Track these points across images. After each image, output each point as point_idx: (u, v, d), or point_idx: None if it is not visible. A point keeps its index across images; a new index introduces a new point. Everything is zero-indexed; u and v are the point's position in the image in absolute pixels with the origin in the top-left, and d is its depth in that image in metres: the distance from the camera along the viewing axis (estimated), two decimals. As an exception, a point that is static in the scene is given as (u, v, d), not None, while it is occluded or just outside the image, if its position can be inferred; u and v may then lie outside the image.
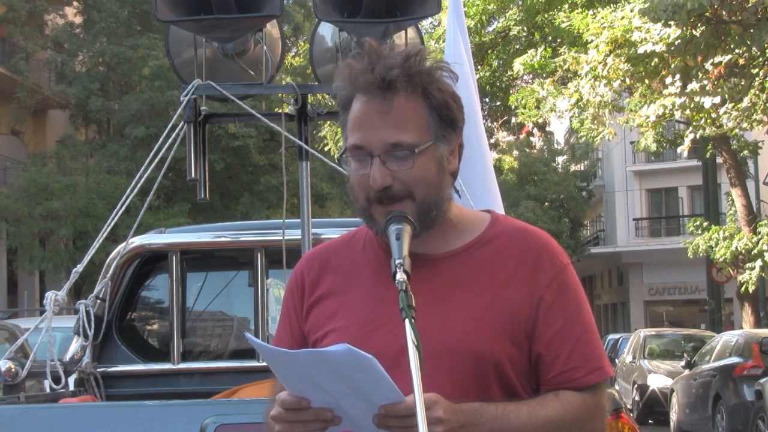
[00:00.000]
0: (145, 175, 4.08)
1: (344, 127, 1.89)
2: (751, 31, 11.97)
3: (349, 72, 1.85)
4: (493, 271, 1.88)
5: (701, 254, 19.09)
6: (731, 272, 19.21)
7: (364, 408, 1.67)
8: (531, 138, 41.79)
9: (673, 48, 12.36)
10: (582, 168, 46.99)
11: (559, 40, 17.32)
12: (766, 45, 11.86)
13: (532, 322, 1.85)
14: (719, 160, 21.03)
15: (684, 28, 12.03)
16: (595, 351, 1.88)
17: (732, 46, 12.37)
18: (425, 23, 19.35)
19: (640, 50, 12.64)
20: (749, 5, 11.62)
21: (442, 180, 1.88)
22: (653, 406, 16.53)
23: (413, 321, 1.65)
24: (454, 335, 1.82)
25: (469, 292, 1.86)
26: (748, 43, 12.02)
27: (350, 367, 1.61)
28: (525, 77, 21.61)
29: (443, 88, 1.86)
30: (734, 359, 12.95)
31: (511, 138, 40.88)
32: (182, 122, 4.14)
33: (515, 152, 44.91)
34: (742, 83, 12.69)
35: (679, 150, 19.70)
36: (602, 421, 1.90)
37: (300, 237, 4.12)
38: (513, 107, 19.52)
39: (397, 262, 1.74)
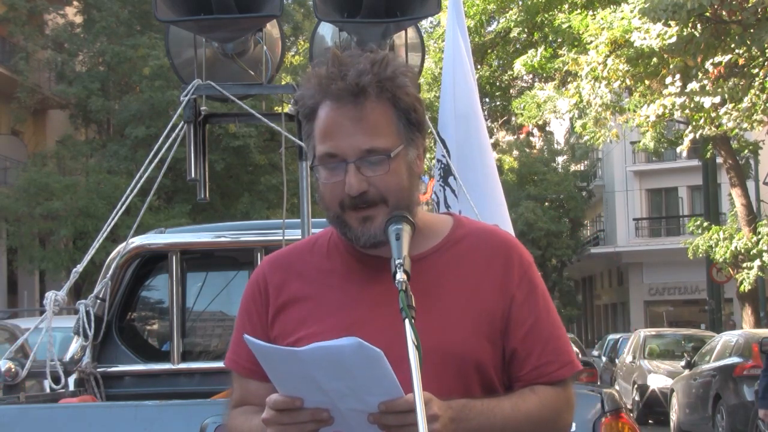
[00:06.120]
0: (145, 175, 4.09)
1: (309, 136, 1.88)
2: (751, 31, 11.98)
3: (318, 80, 1.85)
4: (464, 272, 1.91)
5: (701, 255, 19.10)
6: (731, 272, 19.22)
7: (360, 407, 1.67)
8: (531, 138, 41.82)
9: (672, 47, 12.36)
10: (582, 168, 47.01)
11: (559, 41, 17.34)
12: (766, 45, 11.86)
13: (505, 320, 1.89)
14: (719, 160, 21.03)
15: (684, 28, 12.03)
16: (564, 346, 1.94)
17: (732, 46, 12.38)
18: (425, 23, 19.37)
19: (637, 44, 12.64)
20: (749, 5, 11.63)
21: (413, 184, 1.89)
22: (653, 406, 16.52)
23: (413, 321, 1.66)
24: (435, 337, 1.82)
25: (444, 294, 1.88)
26: (748, 43, 12.02)
27: (356, 362, 1.60)
28: (525, 77, 21.64)
29: (409, 92, 1.87)
30: (734, 359, 12.95)
31: (511, 138, 40.89)
32: (182, 122, 4.15)
33: (515, 152, 44.92)
34: (742, 83, 12.69)
35: (678, 150, 19.73)
36: (572, 413, 1.96)
37: (300, 237, 4.12)
38: (514, 111, 19.58)
39: (397, 262, 1.75)
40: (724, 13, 12.05)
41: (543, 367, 1.89)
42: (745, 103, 12.67)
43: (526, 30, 19.11)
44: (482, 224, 2.04)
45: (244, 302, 2.00)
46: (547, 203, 40.41)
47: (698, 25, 12.28)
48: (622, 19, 13.35)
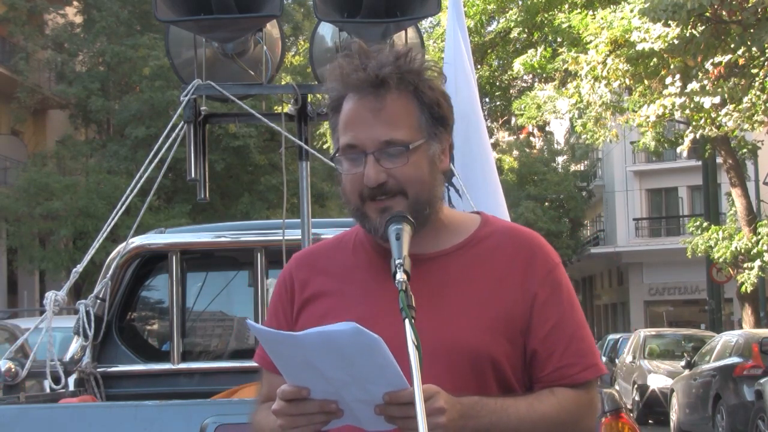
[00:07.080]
0: (145, 175, 4.08)
1: (335, 128, 1.90)
2: (751, 31, 11.98)
3: (341, 72, 1.86)
4: (487, 270, 1.90)
5: (700, 254, 19.10)
6: (731, 272, 19.21)
7: (365, 398, 1.66)
8: (531, 138, 41.82)
9: (672, 47, 12.36)
10: (582, 168, 46.98)
11: (559, 41, 17.35)
12: (766, 45, 11.86)
13: (526, 320, 1.87)
14: (719, 160, 21.03)
15: (684, 28, 12.03)
16: (588, 348, 1.91)
17: (732, 46, 12.38)
18: (425, 23, 19.36)
19: (638, 47, 12.64)
20: (749, 5, 11.63)
21: (435, 178, 1.89)
22: (653, 406, 16.52)
23: (413, 321, 1.65)
24: (451, 334, 1.82)
25: (464, 291, 1.87)
26: (748, 43, 12.02)
27: (355, 349, 1.59)
28: (525, 77, 21.65)
29: (434, 87, 1.88)
30: (734, 359, 12.95)
31: (511, 138, 40.89)
32: (182, 122, 4.14)
33: (515, 152, 44.91)
34: (742, 83, 12.69)
35: (678, 150, 19.72)
36: (594, 418, 1.92)
37: (300, 237, 4.12)
38: (514, 112, 19.62)
39: (397, 262, 1.74)
40: (724, 13, 12.05)
41: (564, 369, 1.86)
42: (745, 103, 12.66)
43: (526, 30, 19.12)
44: (510, 223, 2.03)
45: (272, 300, 2.02)
46: (547, 203, 40.37)
47: (698, 25, 12.28)
48: (622, 18, 13.35)
